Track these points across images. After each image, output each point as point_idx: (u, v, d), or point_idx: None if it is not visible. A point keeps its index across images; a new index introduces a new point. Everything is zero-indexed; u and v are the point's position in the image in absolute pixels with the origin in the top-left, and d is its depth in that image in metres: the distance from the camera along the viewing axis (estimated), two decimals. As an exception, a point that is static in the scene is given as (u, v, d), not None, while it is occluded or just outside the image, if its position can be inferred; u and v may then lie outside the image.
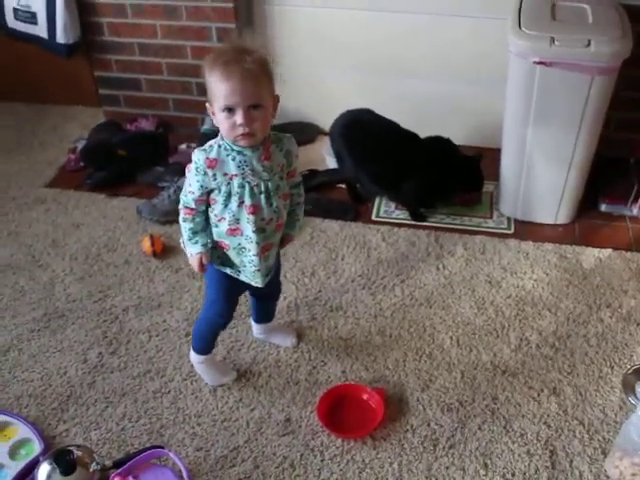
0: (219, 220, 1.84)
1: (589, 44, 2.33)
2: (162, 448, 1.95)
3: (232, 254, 1.90)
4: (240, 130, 1.68)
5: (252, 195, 1.79)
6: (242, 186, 1.77)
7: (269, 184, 1.81)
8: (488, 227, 2.82)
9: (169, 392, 2.18)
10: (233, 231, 1.84)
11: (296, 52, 3.27)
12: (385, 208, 2.93)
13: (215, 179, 1.76)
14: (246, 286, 2.00)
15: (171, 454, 1.90)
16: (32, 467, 1.92)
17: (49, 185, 3.16)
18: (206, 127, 3.16)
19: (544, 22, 2.45)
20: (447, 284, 2.53)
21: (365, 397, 2.12)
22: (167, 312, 2.46)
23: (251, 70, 1.64)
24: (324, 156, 3.13)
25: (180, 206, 1.86)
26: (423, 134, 2.83)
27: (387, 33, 3.11)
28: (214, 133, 3.04)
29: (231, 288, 2.02)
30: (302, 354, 2.28)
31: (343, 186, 3.01)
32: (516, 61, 2.45)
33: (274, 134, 1.82)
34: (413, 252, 2.68)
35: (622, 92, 2.75)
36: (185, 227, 1.87)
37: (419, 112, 3.09)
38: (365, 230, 2.80)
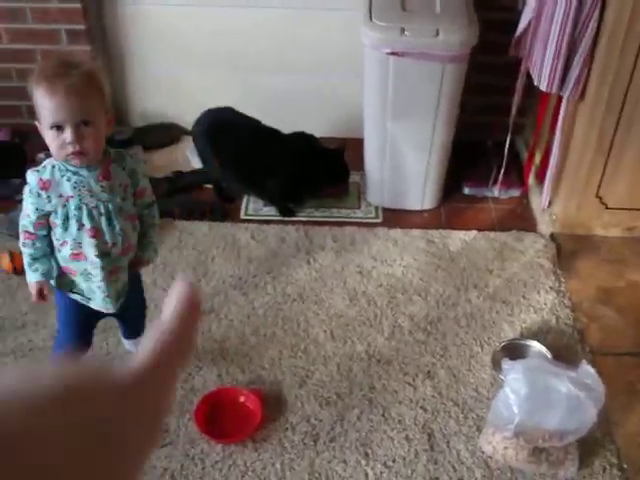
0: (61, 244, 1.75)
1: (438, 33, 2.38)
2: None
3: (79, 280, 1.81)
4: (70, 149, 1.60)
5: (91, 218, 1.71)
6: (79, 208, 1.69)
7: (109, 205, 1.72)
8: (357, 217, 2.85)
9: (38, 414, 2.08)
10: (76, 256, 1.76)
11: (151, 52, 3.19)
12: (254, 205, 2.90)
13: (50, 201, 1.68)
14: (101, 313, 1.91)
15: None
16: None
17: None
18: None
19: (394, 13, 2.49)
20: (319, 278, 2.54)
21: (242, 400, 2.10)
22: (32, 331, 2.35)
23: (76, 84, 1.57)
24: (188, 157, 3.08)
25: (20, 230, 1.76)
26: (286, 129, 2.82)
27: (242, 28, 3.08)
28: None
29: (83, 315, 1.92)
30: (176, 361, 2.23)
31: (210, 186, 2.97)
32: (370, 53, 2.48)
33: (115, 152, 1.75)
34: (283, 248, 2.67)
35: (475, 78, 2.83)
36: (25, 253, 1.77)
37: (279, 108, 3.08)
38: (234, 229, 2.77)
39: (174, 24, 3.12)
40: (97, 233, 1.73)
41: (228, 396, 2.11)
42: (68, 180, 1.67)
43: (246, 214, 2.87)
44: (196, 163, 3.01)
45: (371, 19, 2.45)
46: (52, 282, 1.84)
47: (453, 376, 2.18)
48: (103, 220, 1.72)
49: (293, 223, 2.80)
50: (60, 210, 1.69)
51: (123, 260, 1.84)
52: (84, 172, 1.67)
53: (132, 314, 2.08)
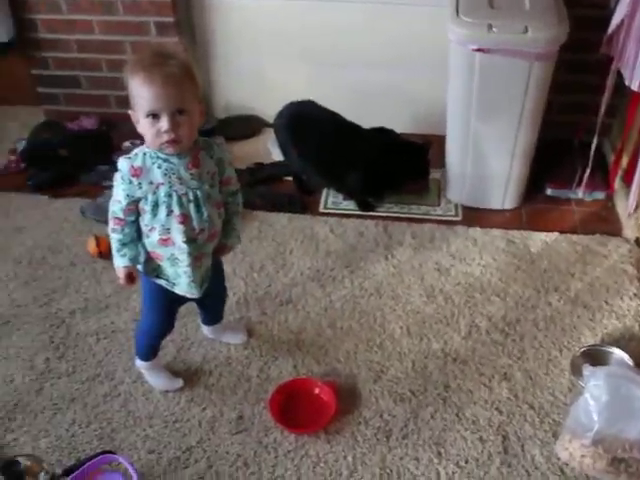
0: (150, 230, 1.80)
1: (526, 30, 2.34)
2: (113, 453, 1.92)
3: (166, 265, 1.86)
4: (165, 137, 1.64)
5: (180, 204, 1.75)
6: (169, 195, 1.73)
7: (198, 192, 1.76)
8: (436, 215, 2.83)
9: (119, 395, 2.14)
10: (164, 241, 1.80)
11: (238, 44, 3.24)
12: (333, 199, 2.92)
13: (140, 188, 1.72)
14: (185, 298, 1.96)
15: (121, 459, 1.88)
16: (-22, 479, 1.87)
17: (-11, 188, 3.09)
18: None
19: (482, 10, 2.46)
20: (396, 273, 2.54)
21: (317, 391, 2.11)
22: (115, 314, 2.42)
23: (174, 74, 1.61)
24: (269, 149, 3.11)
25: (109, 216, 1.81)
26: (367, 124, 2.83)
27: (327, 22, 3.10)
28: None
29: (167, 300, 1.97)
30: (253, 350, 2.27)
31: (290, 178, 2.99)
32: (456, 49, 2.46)
33: (204, 140, 1.78)
34: (362, 243, 2.68)
35: (563, 76, 2.78)
36: (114, 238, 1.81)
37: (363, 102, 3.08)
38: (313, 222, 2.79)
39: (260, 17, 3.16)
40: (186, 219, 1.76)
41: (303, 387, 2.13)
42: (159, 167, 1.71)
43: (325, 207, 2.88)
44: (277, 155, 3.04)
45: (458, 15, 2.43)
46: (139, 267, 1.89)
47: (530, 379, 2.15)
48: (192, 207, 1.76)
49: (372, 218, 2.80)
50: (150, 197, 1.73)
51: (209, 246, 1.88)
52: (174, 160, 1.71)
53: (213, 300, 2.13)
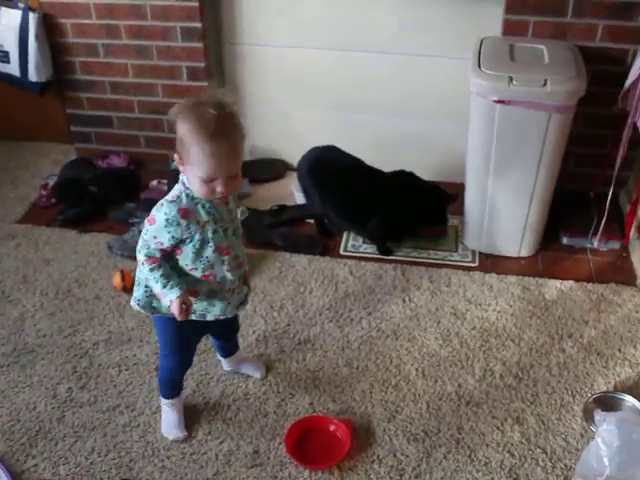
0: (191, 269, 1.87)
1: (545, 83, 2.42)
2: (131, 482, 1.96)
3: (202, 298, 1.93)
4: (218, 195, 1.74)
5: (225, 238, 1.85)
6: (215, 231, 1.82)
7: (233, 226, 1.88)
8: (453, 260, 2.88)
9: (138, 426, 2.19)
10: (206, 277, 1.88)
11: (265, 91, 3.35)
12: (353, 242, 2.98)
13: (189, 228, 1.78)
14: (202, 330, 2.06)
15: (139, 487, 1.92)
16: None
17: (20, 221, 3.18)
18: (176, 164, 3.20)
19: (503, 62, 2.54)
20: (413, 316, 2.58)
21: (332, 428, 2.15)
22: (137, 346, 2.48)
23: (237, 148, 1.70)
24: (292, 192, 3.19)
25: (141, 259, 1.83)
26: (387, 170, 2.91)
27: (353, 72, 3.20)
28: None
29: (185, 338, 2.05)
30: (270, 386, 2.31)
31: (311, 221, 3.06)
32: (477, 100, 2.54)
33: None
34: (380, 285, 2.73)
35: (581, 128, 2.85)
36: (156, 276, 1.82)
37: (384, 149, 3.17)
38: (333, 264, 2.85)
39: (290, 64, 3.26)
40: (230, 250, 1.87)
41: (319, 424, 2.17)
42: (203, 207, 1.79)
43: (345, 250, 2.94)
44: (300, 199, 3.12)
45: (480, 67, 2.51)
46: (162, 308, 1.93)
47: (542, 424, 2.17)
48: (233, 239, 1.88)
49: (390, 262, 2.86)
50: (197, 236, 1.80)
51: (242, 271, 1.98)
52: (214, 199, 1.81)
53: (227, 329, 2.22)
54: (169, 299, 1.82)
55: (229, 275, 1.89)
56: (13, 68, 3.32)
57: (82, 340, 2.51)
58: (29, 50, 3.23)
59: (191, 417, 2.21)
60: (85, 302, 2.69)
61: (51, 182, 3.31)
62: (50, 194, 3.26)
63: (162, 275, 1.81)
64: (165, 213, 1.76)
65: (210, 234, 1.81)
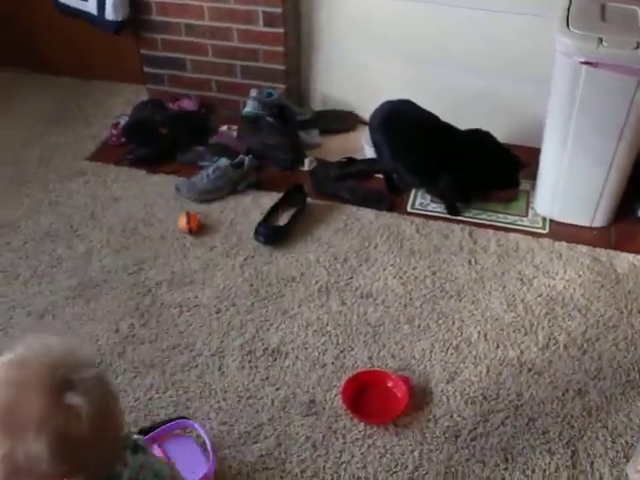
0: None
1: (638, 46, 2.31)
2: (188, 419, 1.98)
3: None
4: None
5: None
6: None
7: None
8: (523, 225, 2.81)
9: (196, 366, 2.21)
10: None
11: (341, 40, 3.28)
12: (421, 200, 2.93)
13: None
14: None
15: (196, 425, 1.94)
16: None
17: (90, 158, 3.21)
18: (248, 109, 3.19)
19: (593, 22, 2.44)
20: (478, 279, 2.53)
21: (390, 384, 2.14)
22: (199, 289, 2.50)
23: None
24: (363, 145, 3.14)
25: None
26: (461, 128, 2.84)
27: (435, 26, 3.10)
28: (256, 116, 3.07)
29: None
30: (330, 338, 2.31)
31: (380, 176, 3.02)
32: (562, 60, 2.44)
33: None
34: (446, 245, 2.68)
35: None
36: None
37: (460, 106, 3.07)
38: (399, 221, 2.81)
39: (368, 14, 3.18)
40: None
41: (376, 378, 2.16)
42: None
43: (413, 207, 2.89)
44: (369, 153, 3.07)
45: (568, 26, 2.41)
46: None
47: (605, 398, 2.12)
48: None
49: (458, 222, 2.80)
50: None
51: None
52: None
53: None
54: None
55: None
56: (91, 6, 3.32)
57: (146, 278, 2.54)
58: (107, -12, 3.22)
59: (249, 362, 2.22)
60: (150, 241, 2.71)
61: (122, 122, 3.32)
62: (121, 133, 3.28)
63: None
64: None
65: None
